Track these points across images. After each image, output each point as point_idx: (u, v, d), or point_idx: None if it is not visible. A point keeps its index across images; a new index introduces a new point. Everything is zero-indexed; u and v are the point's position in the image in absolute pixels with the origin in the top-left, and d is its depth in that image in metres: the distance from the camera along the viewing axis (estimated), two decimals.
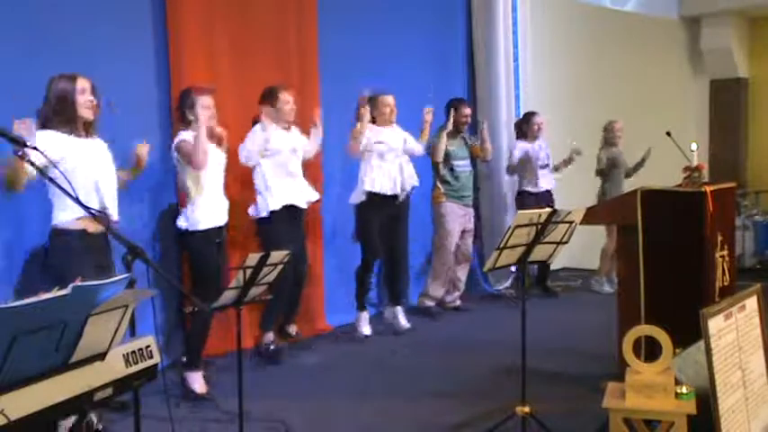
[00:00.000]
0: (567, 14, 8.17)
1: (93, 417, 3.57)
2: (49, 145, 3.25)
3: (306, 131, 5.05)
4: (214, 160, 4.32)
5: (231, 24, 5.07)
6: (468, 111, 6.18)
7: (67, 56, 4.19)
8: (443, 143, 5.94)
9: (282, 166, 4.84)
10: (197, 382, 4.24)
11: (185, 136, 4.26)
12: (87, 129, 3.62)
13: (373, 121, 5.46)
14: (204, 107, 4.26)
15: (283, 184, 4.84)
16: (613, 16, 8.72)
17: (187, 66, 4.76)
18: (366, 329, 5.49)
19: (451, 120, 6.00)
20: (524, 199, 6.70)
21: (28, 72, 4.01)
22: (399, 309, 5.69)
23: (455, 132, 6.13)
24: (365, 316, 5.53)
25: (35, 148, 2.51)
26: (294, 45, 5.45)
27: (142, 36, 4.68)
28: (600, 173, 6.90)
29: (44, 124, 3.48)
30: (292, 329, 5.18)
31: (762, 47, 9.70)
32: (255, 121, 4.84)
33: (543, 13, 7.69)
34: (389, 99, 5.50)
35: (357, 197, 5.42)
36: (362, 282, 5.53)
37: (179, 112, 4.37)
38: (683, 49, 9.68)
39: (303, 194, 4.94)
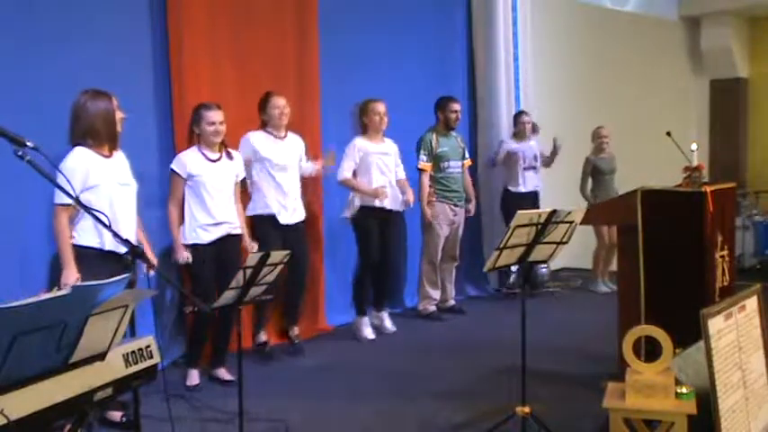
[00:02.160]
0: (567, 14, 8.17)
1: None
2: (83, 167, 3.47)
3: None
4: (221, 176, 4.37)
5: (231, 29, 5.05)
6: (456, 106, 6.12)
7: (67, 58, 4.20)
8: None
9: (270, 176, 4.84)
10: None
11: (181, 158, 4.34)
12: (115, 144, 3.68)
13: (364, 129, 5.39)
14: (208, 122, 4.30)
15: (270, 195, 4.84)
16: (613, 16, 8.72)
17: (187, 73, 4.75)
18: (369, 333, 5.47)
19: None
20: (509, 198, 6.71)
21: (28, 73, 4.02)
22: (385, 313, 5.69)
23: (447, 131, 6.12)
24: (366, 321, 5.51)
25: (35, 149, 2.50)
26: (294, 45, 5.44)
27: (142, 44, 4.66)
28: (581, 186, 6.88)
29: (79, 143, 3.55)
30: (294, 332, 5.20)
31: (762, 47, 9.70)
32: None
33: (543, 13, 7.68)
34: (380, 106, 5.36)
35: (350, 211, 5.39)
36: (363, 286, 5.51)
37: (190, 128, 4.41)
38: (683, 49, 9.68)
39: (289, 212, 4.89)
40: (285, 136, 4.93)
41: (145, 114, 4.64)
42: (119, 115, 3.64)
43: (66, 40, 4.22)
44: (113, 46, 4.43)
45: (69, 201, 3.35)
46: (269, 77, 5.24)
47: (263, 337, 5.03)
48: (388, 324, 5.66)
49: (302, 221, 5.01)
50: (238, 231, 4.47)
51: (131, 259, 2.39)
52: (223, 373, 4.51)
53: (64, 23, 4.23)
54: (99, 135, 3.57)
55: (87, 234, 3.54)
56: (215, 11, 4.96)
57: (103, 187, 3.54)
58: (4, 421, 1.71)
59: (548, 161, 6.90)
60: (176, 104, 4.72)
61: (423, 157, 5.98)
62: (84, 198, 3.40)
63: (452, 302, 6.37)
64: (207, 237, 4.33)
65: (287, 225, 4.86)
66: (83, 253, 3.52)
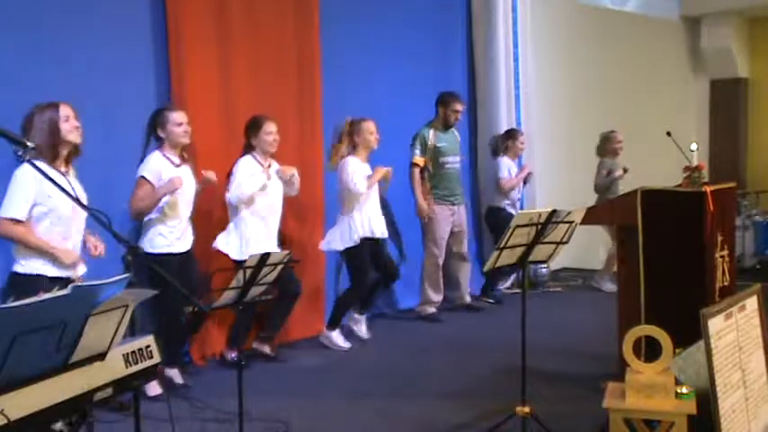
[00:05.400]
0: (567, 14, 8.17)
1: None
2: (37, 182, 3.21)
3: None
4: (186, 183, 4.23)
5: (232, 29, 5.04)
6: (459, 106, 6.02)
7: (67, 58, 4.20)
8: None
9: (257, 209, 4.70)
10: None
11: (151, 164, 4.17)
12: (68, 158, 3.49)
13: (354, 147, 5.21)
14: (176, 124, 4.18)
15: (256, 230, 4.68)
16: (613, 16, 8.72)
17: (187, 74, 4.74)
18: (342, 342, 5.27)
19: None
20: (500, 213, 6.51)
21: (27, 74, 4.02)
22: (364, 317, 5.49)
23: (445, 128, 6.05)
24: (338, 333, 5.28)
25: (35, 149, 2.51)
26: (294, 45, 5.43)
27: (141, 48, 4.66)
28: (597, 187, 6.81)
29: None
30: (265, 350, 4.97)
31: (762, 47, 9.70)
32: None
33: (543, 13, 7.69)
34: (373, 125, 5.22)
35: (345, 243, 5.16)
36: (346, 307, 5.32)
37: (153, 132, 4.24)
38: (682, 49, 9.68)
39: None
40: (269, 165, 4.78)
41: (145, 115, 4.65)
42: (70, 124, 3.39)
43: (67, 41, 4.23)
44: (113, 45, 4.43)
45: (19, 215, 3.27)
46: (269, 77, 5.24)
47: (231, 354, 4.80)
48: (364, 329, 5.45)
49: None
50: (192, 239, 4.37)
51: (131, 259, 2.39)
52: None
53: (63, 22, 4.24)
54: (45, 146, 3.30)
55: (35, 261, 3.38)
56: (214, 11, 4.95)
57: (59, 202, 3.31)
58: (4, 421, 1.71)
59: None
60: (176, 104, 4.72)
61: (416, 151, 5.88)
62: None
63: (468, 299, 6.33)
64: (175, 248, 4.22)
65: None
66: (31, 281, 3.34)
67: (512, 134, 6.73)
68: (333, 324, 5.29)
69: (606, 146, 6.90)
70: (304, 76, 5.46)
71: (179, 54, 4.72)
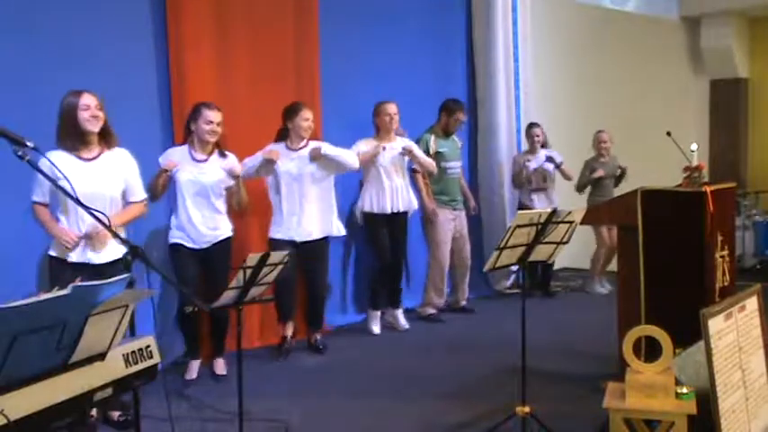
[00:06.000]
0: (567, 14, 8.17)
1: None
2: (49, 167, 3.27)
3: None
4: (205, 177, 4.32)
5: (232, 29, 5.05)
6: (462, 116, 6.08)
7: (68, 56, 4.20)
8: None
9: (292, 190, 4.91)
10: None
11: (168, 153, 4.35)
12: (102, 142, 3.62)
13: (377, 131, 5.52)
14: (206, 121, 4.28)
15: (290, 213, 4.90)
16: (613, 16, 8.71)
17: (187, 74, 4.76)
18: (376, 328, 5.65)
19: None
20: (522, 209, 6.57)
21: (28, 73, 4.02)
22: (399, 311, 5.76)
23: (445, 134, 6.07)
24: (378, 315, 5.68)
25: (35, 149, 2.50)
26: (294, 45, 5.43)
27: (143, 44, 4.68)
28: (576, 187, 6.87)
29: (57, 142, 3.54)
30: (315, 338, 5.25)
31: (762, 47, 9.69)
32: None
33: (543, 13, 7.68)
34: (391, 107, 5.46)
35: (360, 212, 5.58)
36: (380, 284, 5.66)
37: (187, 125, 4.39)
38: (683, 49, 9.67)
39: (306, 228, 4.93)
40: (304, 146, 4.95)
41: (150, 115, 4.65)
42: (89, 113, 3.51)
43: (67, 40, 4.23)
44: (114, 44, 4.43)
45: (37, 198, 3.56)
46: (269, 78, 5.24)
47: (286, 331, 5.12)
48: (402, 321, 5.76)
49: (323, 238, 5.02)
50: (226, 236, 4.45)
51: (131, 259, 2.38)
52: (219, 367, 4.54)
53: (63, 21, 4.24)
54: (63, 132, 3.52)
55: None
56: (215, 11, 4.96)
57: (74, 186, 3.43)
58: (4, 421, 1.71)
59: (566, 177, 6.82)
60: (175, 106, 4.73)
61: None
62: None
63: (464, 303, 6.37)
64: (187, 242, 4.35)
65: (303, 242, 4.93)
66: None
67: (527, 129, 6.82)
68: (373, 304, 5.71)
69: (593, 146, 6.94)
70: (303, 74, 5.46)
71: (179, 50, 4.73)
